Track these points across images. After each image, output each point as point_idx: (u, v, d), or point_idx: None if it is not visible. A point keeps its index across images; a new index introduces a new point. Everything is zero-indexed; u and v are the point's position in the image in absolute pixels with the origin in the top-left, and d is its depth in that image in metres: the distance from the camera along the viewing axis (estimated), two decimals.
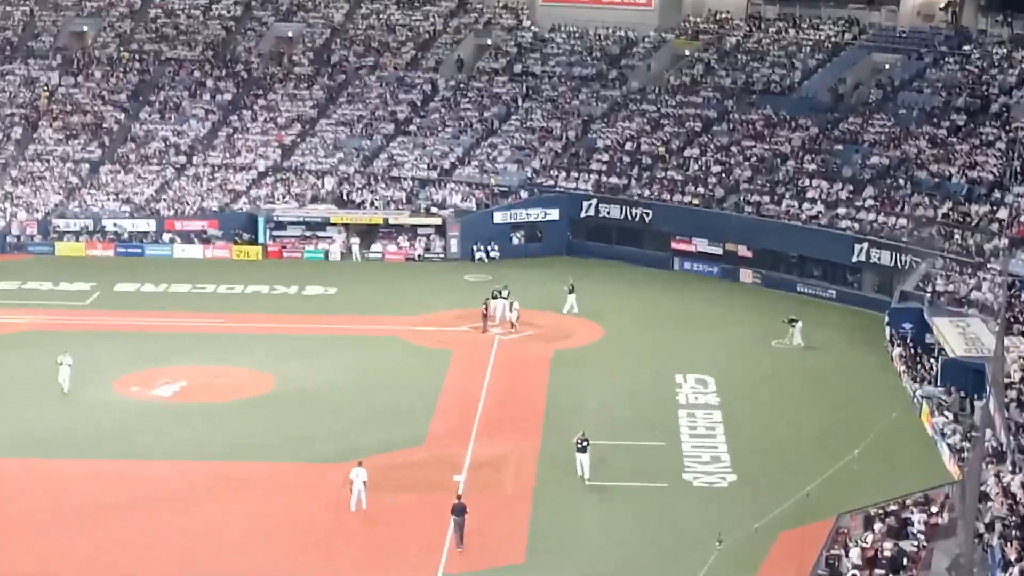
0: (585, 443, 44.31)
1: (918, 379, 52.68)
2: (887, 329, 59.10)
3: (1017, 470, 37.77)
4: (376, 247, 75.62)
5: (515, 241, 75.73)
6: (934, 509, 39.34)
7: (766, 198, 71.21)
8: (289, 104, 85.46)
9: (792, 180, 71.92)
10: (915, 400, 51.49)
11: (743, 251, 70.66)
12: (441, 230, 75.52)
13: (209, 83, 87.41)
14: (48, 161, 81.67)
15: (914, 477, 43.61)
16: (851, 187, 69.79)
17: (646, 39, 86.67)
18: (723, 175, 73.89)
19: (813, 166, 72.45)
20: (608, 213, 74.78)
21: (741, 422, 49.98)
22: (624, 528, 41.06)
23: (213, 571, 38.28)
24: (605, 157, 77.73)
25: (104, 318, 62.55)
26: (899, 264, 64.13)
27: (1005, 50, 76.17)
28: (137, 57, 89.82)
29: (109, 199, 78.57)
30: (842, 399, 53.02)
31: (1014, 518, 34.94)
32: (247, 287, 68.46)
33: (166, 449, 46.79)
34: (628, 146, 78.16)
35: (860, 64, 79.89)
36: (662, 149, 77.02)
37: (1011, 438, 39.22)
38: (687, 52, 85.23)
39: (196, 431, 48.60)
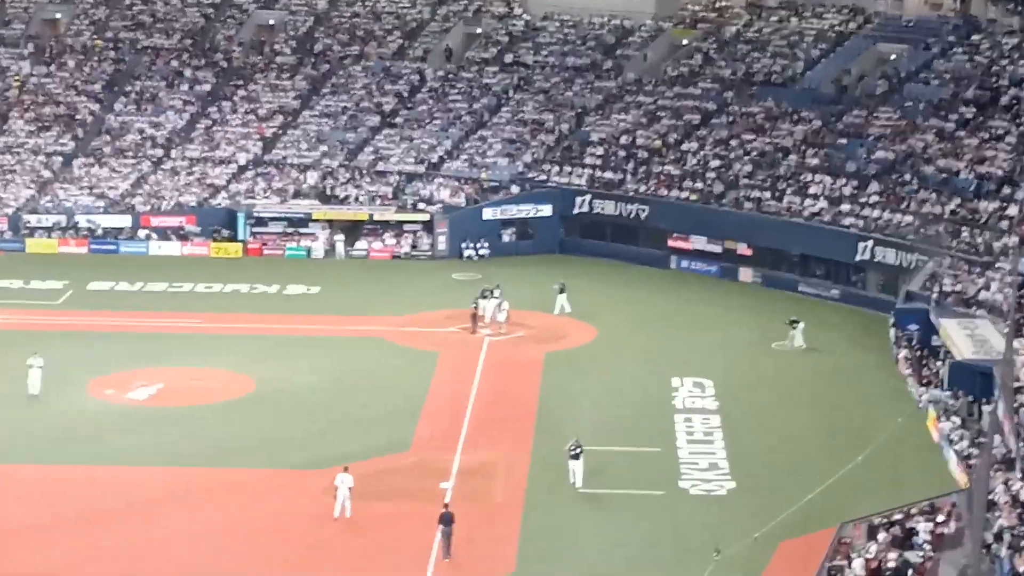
0: (578, 450, 44.01)
1: (924, 382, 52.58)
2: (892, 331, 58.81)
3: None
4: (361, 244, 75.14)
5: (506, 238, 75.31)
6: (940, 518, 39.20)
7: (767, 194, 70.84)
8: (270, 95, 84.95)
9: (794, 175, 71.58)
10: (921, 404, 51.22)
11: (743, 249, 70.31)
12: (429, 227, 75.12)
13: (187, 73, 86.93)
14: (19, 154, 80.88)
15: (919, 485, 43.51)
16: (855, 183, 69.44)
17: (642, 28, 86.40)
18: (722, 170, 73.56)
19: (816, 161, 72.12)
20: (603, 209, 74.33)
21: (740, 427, 49.79)
22: (618, 538, 40.81)
23: None
24: (599, 151, 77.42)
25: (77, 318, 62.10)
26: (905, 263, 63.72)
27: (1016, 40, 75.63)
28: (112, 46, 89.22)
29: (83, 194, 77.93)
30: (845, 403, 52.89)
31: (1023, 528, 35.10)
32: (226, 286, 68.01)
33: (142, 454, 46.42)
34: (623, 139, 77.80)
35: (865, 54, 79.50)
36: (659, 143, 76.75)
37: (1020, 444, 39.58)
38: (685, 41, 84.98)
39: (173, 435, 48.32)
